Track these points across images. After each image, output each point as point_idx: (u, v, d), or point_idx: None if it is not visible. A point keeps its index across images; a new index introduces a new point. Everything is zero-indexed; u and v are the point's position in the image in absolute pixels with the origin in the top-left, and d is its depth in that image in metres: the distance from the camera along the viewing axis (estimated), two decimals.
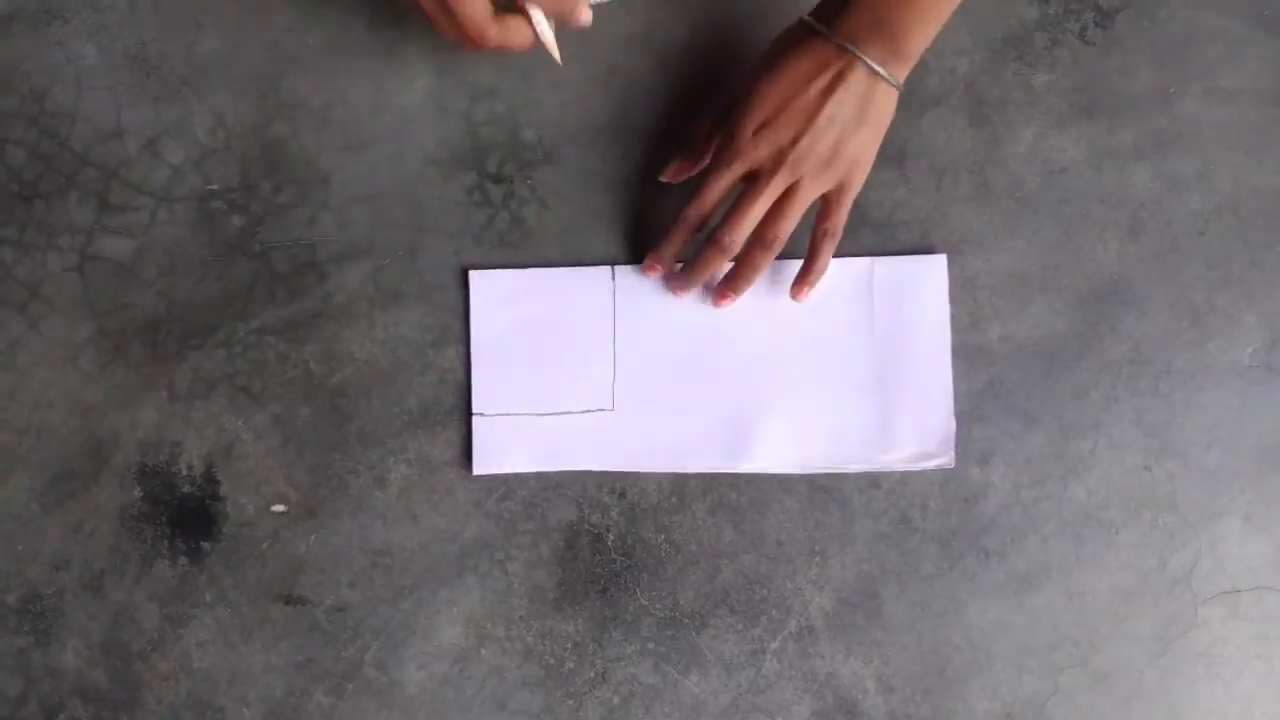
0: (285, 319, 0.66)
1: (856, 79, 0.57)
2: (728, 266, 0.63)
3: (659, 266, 0.64)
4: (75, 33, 0.66)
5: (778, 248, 0.61)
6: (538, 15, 0.58)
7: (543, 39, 0.59)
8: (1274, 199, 0.65)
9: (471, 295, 0.65)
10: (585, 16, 0.59)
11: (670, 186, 0.65)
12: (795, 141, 0.58)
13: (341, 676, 0.65)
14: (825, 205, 0.61)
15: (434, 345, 0.65)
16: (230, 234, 0.66)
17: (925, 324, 0.64)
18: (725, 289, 0.64)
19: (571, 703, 0.65)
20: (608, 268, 0.65)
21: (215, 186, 0.66)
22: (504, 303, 0.65)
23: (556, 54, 0.60)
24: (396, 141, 0.65)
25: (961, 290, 0.65)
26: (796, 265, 0.64)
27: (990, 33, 0.65)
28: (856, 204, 0.64)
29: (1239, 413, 0.64)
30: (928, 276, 0.64)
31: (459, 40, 0.57)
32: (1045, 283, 0.65)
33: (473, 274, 0.65)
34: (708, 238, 0.62)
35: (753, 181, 0.60)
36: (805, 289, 0.63)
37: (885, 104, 0.59)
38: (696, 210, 0.61)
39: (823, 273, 0.63)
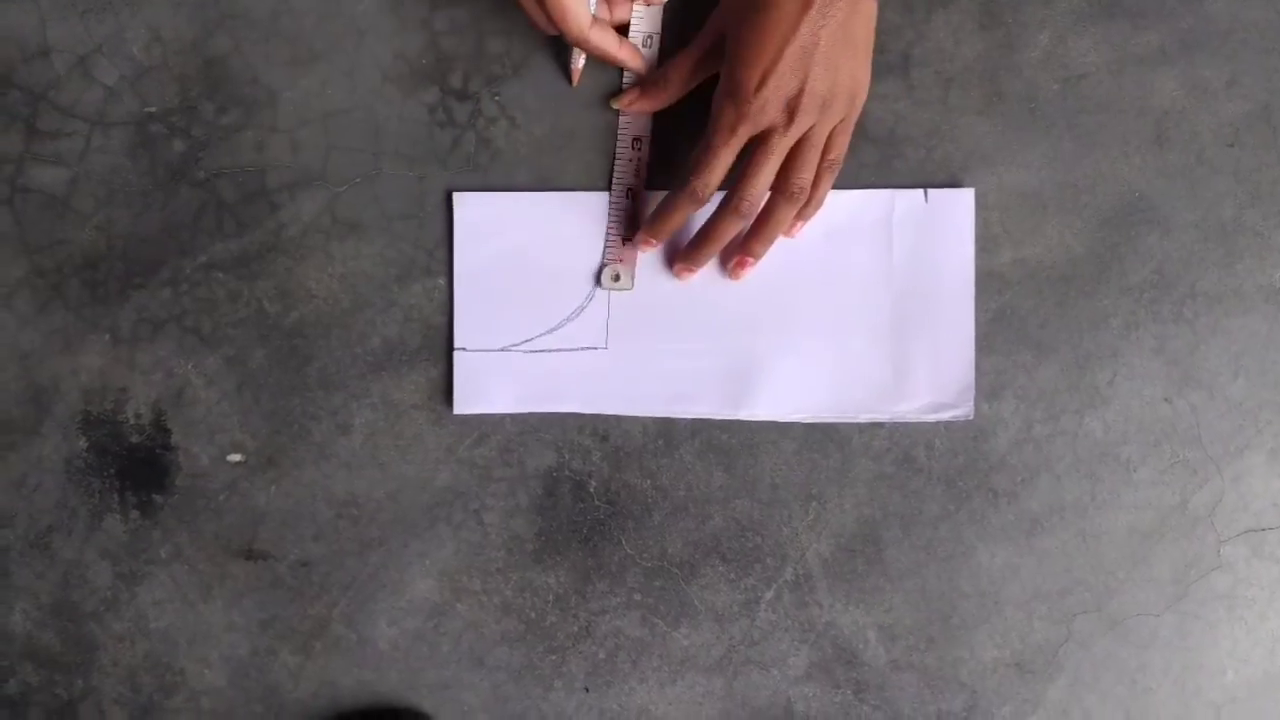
0: (235, 253, 0.61)
1: (839, 4, 0.52)
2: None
3: (653, 242, 0.59)
4: None
5: (802, 197, 0.56)
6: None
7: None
8: None
9: (455, 220, 0.60)
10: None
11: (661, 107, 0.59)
12: (802, 89, 0.53)
13: (308, 634, 0.61)
14: (829, 138, 0.56)
15: (398, 280, 0.60)
16: (172, 160, 0.60)
17: (948, 263, 0.59)
18: (744, 254, 0.58)
19: (554, 658, 0.61)
20: (604, 193, 0.60)
21: (154, 109, 0.60)
22: (490, 229, 0.60)
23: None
24: (349, 55, 0.60)
25: None
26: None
27: None
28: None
29: (1267, 340, 0.60)
30: (953, 212, 0.59)
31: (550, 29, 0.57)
32: (1061, 201, 0.60)
33: (456, 196, 0.60)
34: (722, 204, 0.57)
35: (763, 140, 0.55)
36: (800, 224, 0.59)
37: (869, 19, 0.54)
38: (704, 184, 0.56)
39: (820, 206, 0.58)
